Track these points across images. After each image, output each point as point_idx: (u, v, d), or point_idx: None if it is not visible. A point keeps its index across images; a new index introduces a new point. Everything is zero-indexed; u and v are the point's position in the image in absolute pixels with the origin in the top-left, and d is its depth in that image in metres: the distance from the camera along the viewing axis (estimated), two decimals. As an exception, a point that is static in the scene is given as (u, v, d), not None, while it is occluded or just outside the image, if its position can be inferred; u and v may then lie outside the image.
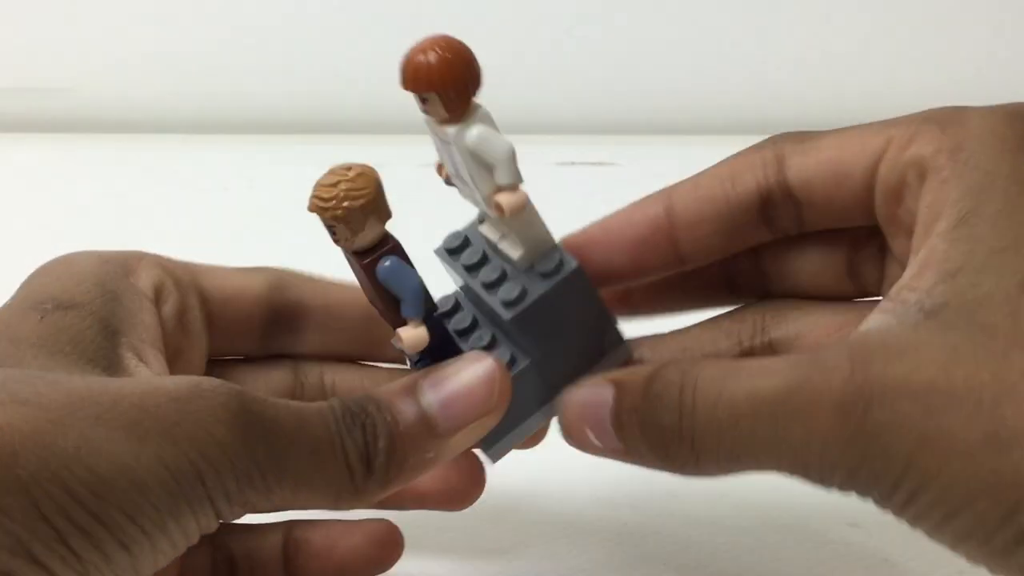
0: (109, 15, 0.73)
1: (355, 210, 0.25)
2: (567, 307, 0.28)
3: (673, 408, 0.24)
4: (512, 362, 0.28)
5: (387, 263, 0.26)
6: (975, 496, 0.21)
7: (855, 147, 0.27)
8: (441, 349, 0.28)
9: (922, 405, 0.22)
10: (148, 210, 0.63)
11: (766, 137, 0.30)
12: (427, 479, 0.31)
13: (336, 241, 0.26)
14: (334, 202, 0.25)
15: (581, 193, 0.62)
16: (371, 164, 0.26)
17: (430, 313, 0.27)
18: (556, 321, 0.28)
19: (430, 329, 0.27)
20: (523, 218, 0.27)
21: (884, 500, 0.23)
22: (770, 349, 0.30)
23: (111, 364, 0.26)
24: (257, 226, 0.60)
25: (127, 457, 0.22)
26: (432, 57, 0.26)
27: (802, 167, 0.28)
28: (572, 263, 0.27)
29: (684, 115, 0.71)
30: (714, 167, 0.29)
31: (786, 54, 0.70)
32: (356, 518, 0.32)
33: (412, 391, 0.26)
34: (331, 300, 0.33)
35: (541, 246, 0.28)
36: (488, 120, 0.27)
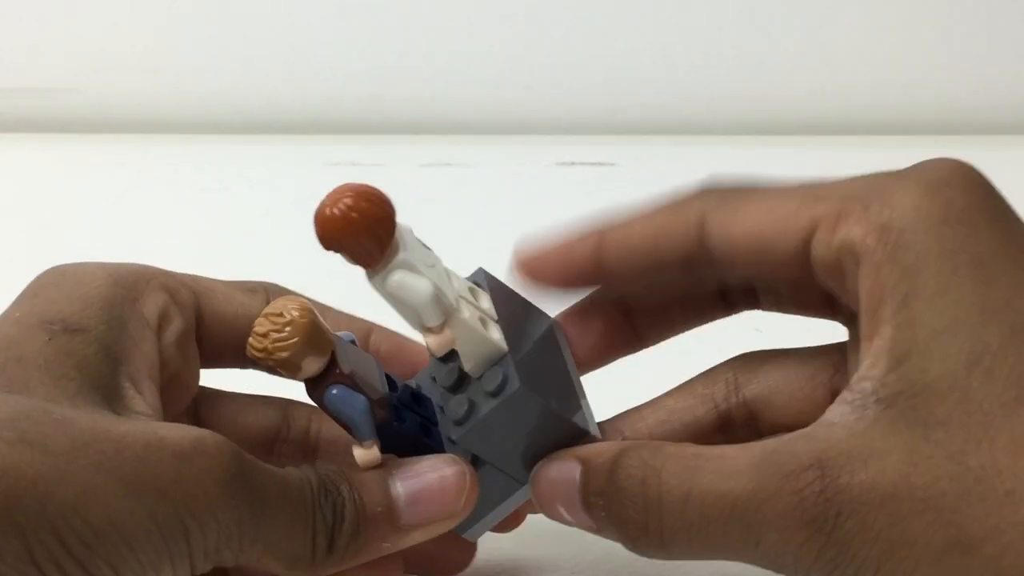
0: (110, 15, 0.73)
1: (286, 359, 0.26)
2: (517, 419, 0.28)
3: (639, 503, 0.25)
4: (475, 459, 0.29)
5: (333, 391, 0.27)
6: None
7: (779, 223, 0.27)
8: (406, 443, 0.29)
9: (887, 513, 0.23)
10: (148, 210, 0.63)
11: (698, 188, 0.29)
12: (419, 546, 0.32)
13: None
14: (264, 354, 0.26)
15: (581, 193, 0.62)
16: (305, 302, 0.27)
17: (387, 422, 0.28)
18: (507, 431, 0.28)
19: (388, 436, 0.28)
20: (465, 340, 0.28)
21: None
22: (746, 408, 0.30)
23: (111, 393, 0.27)
24: (257, 226, 0.60)
25: (122, 511, 0.23)
26: (337, 212, 0.25)
27: (726, 237, 0.27)
28: (515, 383, 0.27)
29: (684, 115, 0.71)
30: (643, 216, 0.29)
31: (786, 54, 0.70)
32: None
33: (384, 480, 0.27)
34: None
35: (488, 360, 0.28)
36: (405, 264, 0.26)
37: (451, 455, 0.28)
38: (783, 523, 0.24)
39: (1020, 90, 0.72)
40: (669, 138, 0.68)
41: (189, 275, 0.32)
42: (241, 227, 0.60)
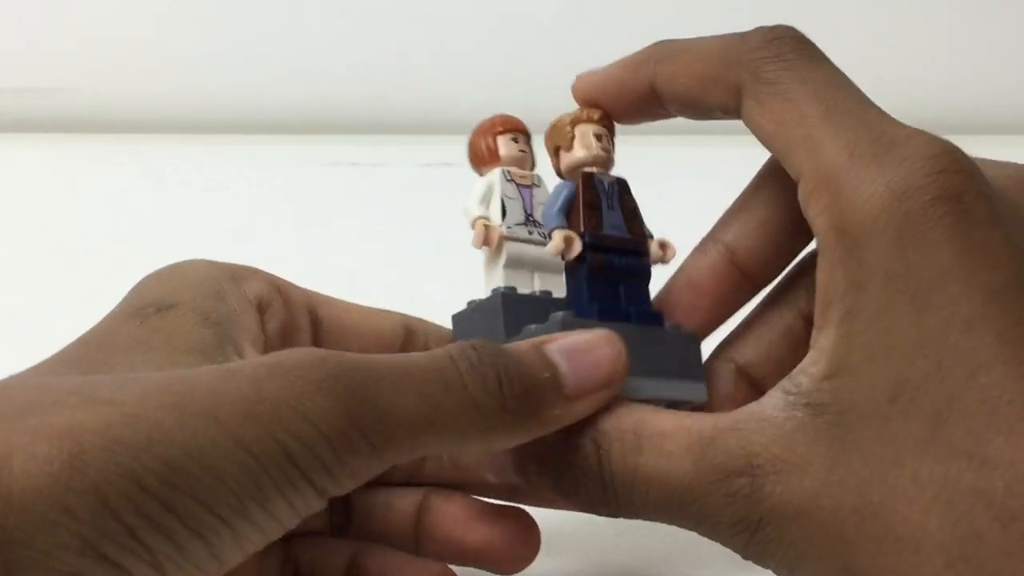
0: (110, 15, 0.73)
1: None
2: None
3: (595, 481, 0.27)
4: None
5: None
6: None
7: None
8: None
9: (798, 527, 0.24)
10: (148, 210, 0.63)
11: None
12: (483, 534, 0.31)
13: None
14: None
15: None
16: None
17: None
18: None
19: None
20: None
21: None
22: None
23: (208, 351, 0.26)
24: (257, 226, 0.60)
25: (202, 442, 0.21)
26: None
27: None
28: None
29: (684, 115, 0.71)
30: (696, 47, 0.30)
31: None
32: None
33: (540, 350, 0.26)
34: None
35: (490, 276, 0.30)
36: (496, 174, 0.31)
37: (599, 329, 0.27)
38: (716, 518, 0.25)
39: (1020, 90, 0.72)
40: (669, 138, 0.68)
41: (308, 289, 0.32)
42: (241, 227, 0.60)
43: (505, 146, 0.31)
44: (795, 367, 0.25)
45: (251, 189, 0.66)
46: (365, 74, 0.74)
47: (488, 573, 0.32)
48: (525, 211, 0.30)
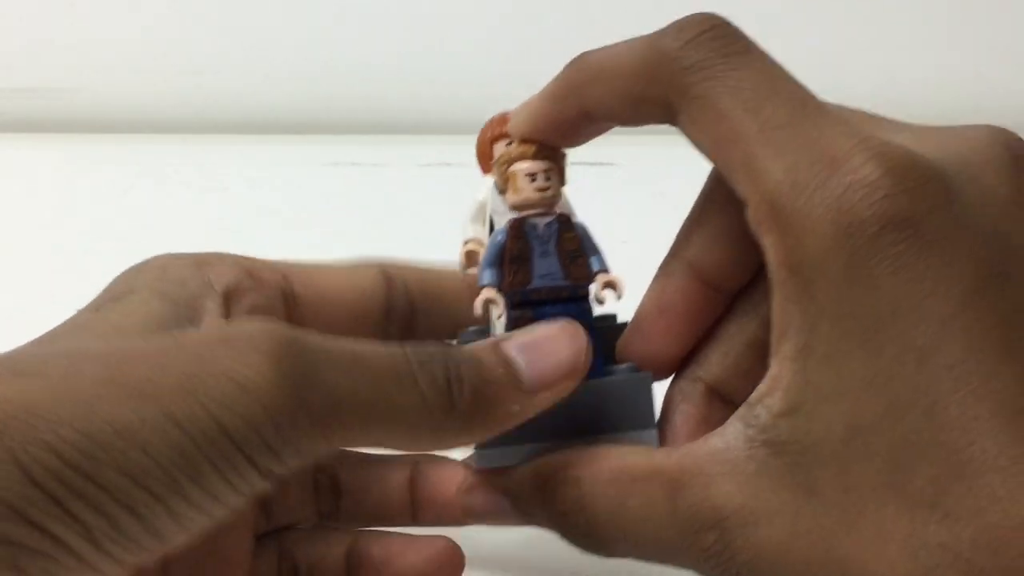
0: (110, 15, 0.73)
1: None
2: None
3: (580, 528, 0.27)
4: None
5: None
6: None
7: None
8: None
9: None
10: (148, 210, 0.63)
11: None
12: (484, 498, 0.31)
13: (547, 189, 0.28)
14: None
15: (581, 193, 0.62)
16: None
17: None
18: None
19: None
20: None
21: None
22: None
23: (162, 327, 0.25)
24: (257, 226, 0.60)
25: (129, 416, 0.21)
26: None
27: None
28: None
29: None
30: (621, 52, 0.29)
31: (785, 54, 0.70)
32: (419, 534, 0.32)
33: (496, 348, 0.26)
34: (435, 286, 0.32)
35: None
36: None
37: (560, 318, 0.27)
38: (698, 568, 0.25)
39: (1020, 90, 0.72)
40: (669, 138, 0.68)
41: (279, 260, 0.31)
42: (241, 227, 0.60)
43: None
44: (754, 392, 0.25)
45: (251, 189, 0.66)
46: (365, 74, 0.74)
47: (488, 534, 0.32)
48: None
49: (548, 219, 0.28)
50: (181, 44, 0.74)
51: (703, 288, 0.29)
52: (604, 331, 0.29)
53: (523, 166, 0.28)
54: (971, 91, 0.72)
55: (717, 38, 0.26)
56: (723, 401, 0.29)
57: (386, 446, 0.25)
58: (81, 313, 0.28)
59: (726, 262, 0.28)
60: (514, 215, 0.28)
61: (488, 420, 0.25)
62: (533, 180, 0.28)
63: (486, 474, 0.29)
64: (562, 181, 0.28)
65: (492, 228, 0.29)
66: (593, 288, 0.28)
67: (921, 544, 0.22)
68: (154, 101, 0.74)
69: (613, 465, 0.26)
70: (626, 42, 0.28)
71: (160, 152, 0.70)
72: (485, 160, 0.30)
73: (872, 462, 0.22)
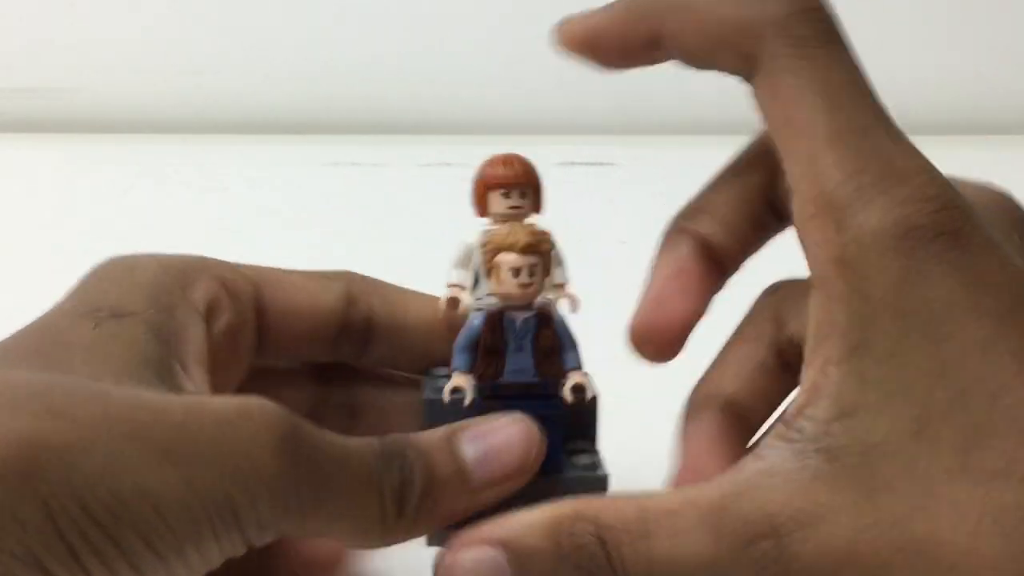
0: (110, 15, 0.73)
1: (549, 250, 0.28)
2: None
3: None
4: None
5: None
6: None
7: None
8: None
9: None
10: (148, 210, 0.63)
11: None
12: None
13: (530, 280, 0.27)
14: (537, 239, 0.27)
15: (581, 193, 0.62)
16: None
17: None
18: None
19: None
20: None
21: None
22: (792, 345, 0.29)
23: (160, 373, 0.26)
24: (257, 226, 0.60)
25: (153, 480, 0.22)
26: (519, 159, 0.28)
27: None
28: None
29: (684, 115, 0.71)
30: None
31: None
32: None
33: (451, 442, 0.26)
34: (401, 313, 0.32)
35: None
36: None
37: (513, 413, 0.27)
38: None
39: (1020, 90, 0.72)
40: (669, 138, 0.68)
41: (254, 266, 0.31)
42: (241, 227, 0.60)
43: (495, 203, 0.28)
44: (786, 409, 0.25)
45: (251, 189, 0.66)
46: (365, 74, 0.74)
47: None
48: None
49: (527, 315, 0.28)
50: (181, 44, 0.74)
51: (708, 260, 0.29)
52: (575, 412, 0.28)
53: (508, 259, 0.27)
54: (971, 91, 0.72)
55: (823, 20, 0.27)
56: (739, 418, 0.29)
57: (338, 541, 0.26)
58: (78, 318, 0.27)
59: (733, 240, 0.29)
60: (493, 302, 0.28)
61: (434, 520, 0.26)
62: (516, 275, 0.27)
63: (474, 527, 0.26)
64: (547, 272, 0.28)
65: (477, 282, 0.28)
66: (564, 389, 0.28)
67: (999, 509, 0.23)
68: (154, 101, 0.74)
69: (638, 504, 0.26)
70: None
71: (160, 152, 0.71)
72: (479, 203, 0.29)
73: (943, 449, 0.23)
